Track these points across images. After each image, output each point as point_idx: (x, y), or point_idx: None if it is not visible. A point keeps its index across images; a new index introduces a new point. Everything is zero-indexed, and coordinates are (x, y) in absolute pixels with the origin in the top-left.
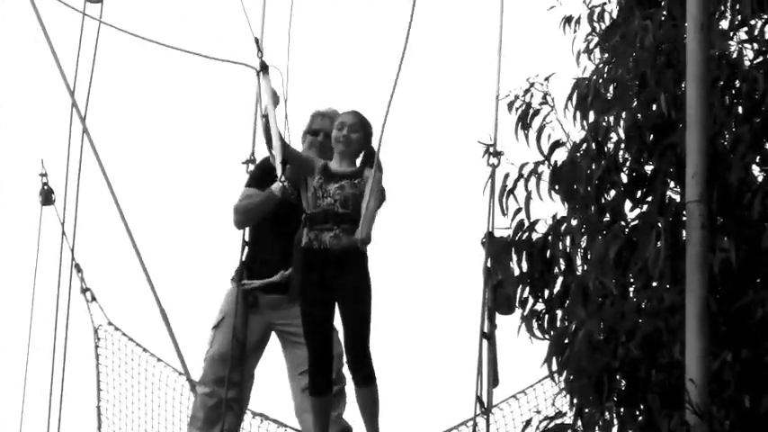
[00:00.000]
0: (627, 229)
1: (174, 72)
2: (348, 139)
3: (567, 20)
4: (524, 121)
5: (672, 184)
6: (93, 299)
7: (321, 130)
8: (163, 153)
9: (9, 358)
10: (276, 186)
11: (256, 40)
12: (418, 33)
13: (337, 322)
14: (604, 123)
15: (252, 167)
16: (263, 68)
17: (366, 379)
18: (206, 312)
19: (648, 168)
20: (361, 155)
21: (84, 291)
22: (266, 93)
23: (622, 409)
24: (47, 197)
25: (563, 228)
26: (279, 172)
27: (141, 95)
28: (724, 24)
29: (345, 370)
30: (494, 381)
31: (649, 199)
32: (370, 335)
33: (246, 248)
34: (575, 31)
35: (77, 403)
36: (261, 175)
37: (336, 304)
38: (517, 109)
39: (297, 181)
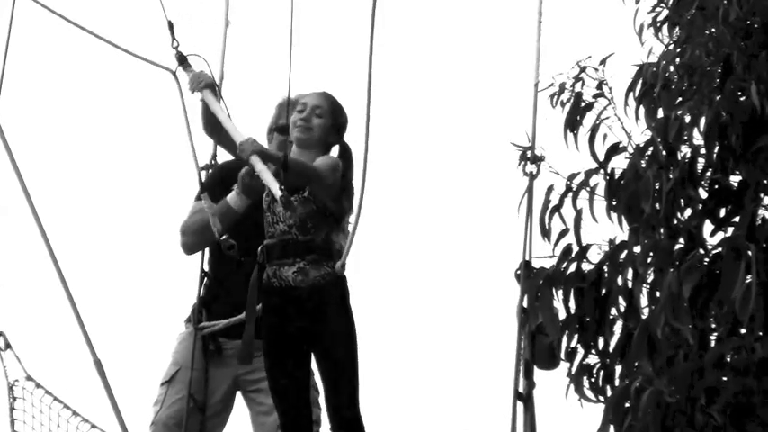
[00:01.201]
0: (707, 259)
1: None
2: (308, 123)
3: None
4: (573, 119)
5: (765, 201)
6: (8, 346)
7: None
8: (95, 159)
9: None
10: (233, 197)
11: (170, 25)
12: None
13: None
14: (677, 121)
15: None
16: (181, 61)
17: None
18: (153, 364)
19: (735, 180)
20: (333, 151)
21: None
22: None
23: None
24: None
25: (623, 256)
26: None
27: (67, 87)
28: None
29: None
30: None
31: (736, 219)
32: (359, 392)
33: (205, 280)
34: (637, 1)
35: None
36: (215, 183)
37: (312, 354)
38: (563, 102)
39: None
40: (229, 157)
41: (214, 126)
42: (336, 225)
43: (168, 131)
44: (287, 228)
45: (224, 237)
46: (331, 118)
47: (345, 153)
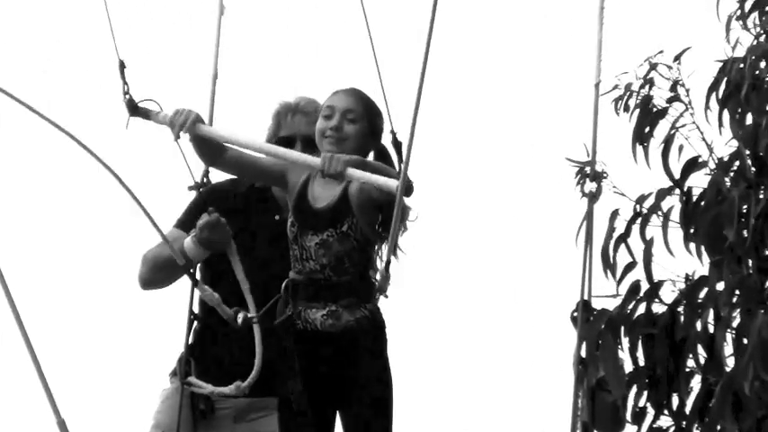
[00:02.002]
0: None
1: None
2: (340, 133)
3: None
4: (642, 128)
5: None
6: None
7: (295, 135)
8: (62, 171)
9: None
10: (189, 244)
11: (121, 66)
12: None
13: None
14: None
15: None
16: (133, 110)
17: None
18: (130, 425)
19: None
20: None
21: None
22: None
23: None
24: None
25: (703, 294)
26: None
27: None
28: None
29: None
30: None
31: None
32: None
33: (195, 324)
34: None
35: None
36: (198, 211)
37: (338, 413)
38: (629, 108)
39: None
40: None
41: (215, 153)
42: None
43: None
44: (318, 267)
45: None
46: (367, 121)
47: (384, 160)
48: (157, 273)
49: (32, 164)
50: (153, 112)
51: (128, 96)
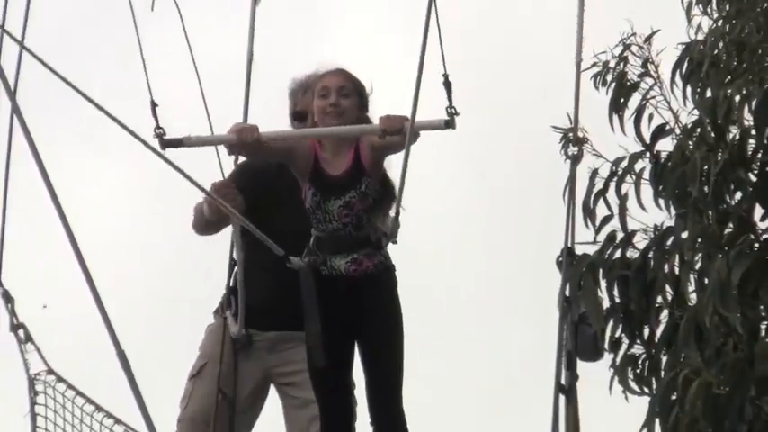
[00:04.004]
0: (757, 245)
1: None
2: (339, 107)
3: None
4: (617, 99)
5: None
6: (29, 339)
7: (307, 110)
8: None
9: None
10: (205, 204)
11: (153, 106)
12: None
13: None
14: (726, 101)
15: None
16: (165, 145)
17: None
18: (180, 356)
19: None
20: None
21: (15, 328)
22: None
23: None
24: None
25: (670, 242)
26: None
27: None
28: None
29: None
30: None
31: None
32: (402, 385)
33: (234, 269)
34: None
35: None
36: (235, 177)
37: (357, 345)
38: (606, 82)
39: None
40: None
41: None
42: (384, 212)
43: None
44: (341, 225)
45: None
46: (357, 95)
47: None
48: (196, 221)
49: None
50: (186, 139)
51: (159, 131)
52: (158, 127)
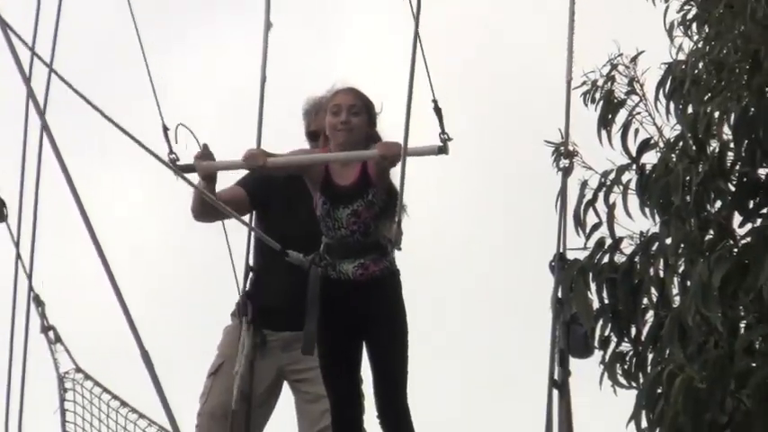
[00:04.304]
0: (736, 249)
1: None
2: (349, 125)
3: None
4: (605, 116)
5: None
6: (58, 339)
7: (319, 130)
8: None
9: None
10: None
11: (165, 130)
12: None
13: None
14: (706, 116)
15: None
16: (182, 170)
17: None
18: (200, 356)
19: (763, 172)
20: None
21: (45, 330)
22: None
23: None
24: None
25: (654, 247)
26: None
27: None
28: None
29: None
30: None
31: (764, 211)
32: (407, 383)
33: (250, 275)
34: (667, 0)
35: None
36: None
37: (364, 345)
38: (595, 99)
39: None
40: None
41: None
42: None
43: None
44: (349, 233)
45: None
46: (366, 112)
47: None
48: (194, 206)
49: None
50: (198, 164)
51: (172, 156)
52: (171, 152)
